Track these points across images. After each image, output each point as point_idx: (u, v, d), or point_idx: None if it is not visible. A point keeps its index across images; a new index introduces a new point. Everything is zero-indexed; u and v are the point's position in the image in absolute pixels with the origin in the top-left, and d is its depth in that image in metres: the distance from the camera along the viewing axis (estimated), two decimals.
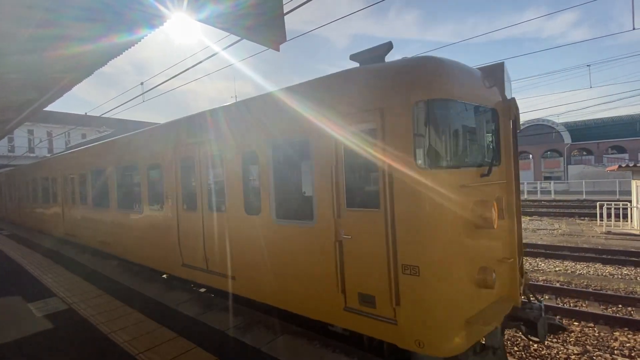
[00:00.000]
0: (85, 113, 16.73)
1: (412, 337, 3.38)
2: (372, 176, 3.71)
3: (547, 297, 7.86)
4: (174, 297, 6.21)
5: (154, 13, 4.43)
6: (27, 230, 16.62)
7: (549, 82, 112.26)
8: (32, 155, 31.52)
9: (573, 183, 37.68)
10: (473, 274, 3.45)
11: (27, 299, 6.35)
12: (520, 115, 4.33)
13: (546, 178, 43.83)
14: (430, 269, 3.24)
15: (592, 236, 14.49)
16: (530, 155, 47.84)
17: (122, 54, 5.87)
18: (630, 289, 8.18)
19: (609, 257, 10.84)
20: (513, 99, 4.01)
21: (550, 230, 16.25)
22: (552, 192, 30.87)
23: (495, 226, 3.39)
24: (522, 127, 4.79)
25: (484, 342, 3.90)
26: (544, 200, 28.34)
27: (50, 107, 9.48)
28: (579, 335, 6.17)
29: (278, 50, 4.49)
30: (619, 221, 15.58)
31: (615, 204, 16.05)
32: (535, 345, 5.67)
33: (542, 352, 5.52)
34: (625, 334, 6.14)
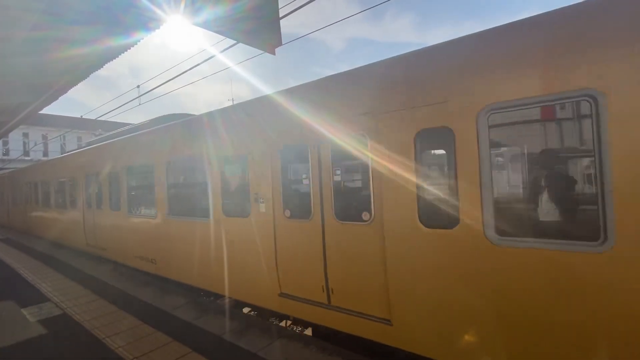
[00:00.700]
0: (81, 116, 16.69)
1: None
2: None
3: None
4: (170, 302, 6.17)
5: (150, 16, 4.44)
6: (23, 235, 16.45)
7: None
8: (27, 158, 31.30)
9: None
10: None
11: (20, 304, 6.28)
12: None
13: None
14: None
15: None
16: None
17: (118, 56, 5.86)
18: None
19: None
20: None
21: None
22: None
23: None
24: None
25: None
26: None
27: (45, 110, 9.42)
28: None
29: (274, 53, 4.50)
30: None
31: None
32: None
33: None
34: None
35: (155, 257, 7.19)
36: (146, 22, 4.68)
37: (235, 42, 5.42)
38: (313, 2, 5.30)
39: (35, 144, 32.68)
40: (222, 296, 5.95)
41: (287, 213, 4.66)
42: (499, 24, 3.57)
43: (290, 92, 4.66)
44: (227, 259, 5.41)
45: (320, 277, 4.27)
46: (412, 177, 3.42)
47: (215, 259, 5.63)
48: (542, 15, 2.97)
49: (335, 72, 4.47)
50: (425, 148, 3.57)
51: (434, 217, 3.35)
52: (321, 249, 4.26)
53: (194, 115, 7.25)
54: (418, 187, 3.41)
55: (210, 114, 6.10)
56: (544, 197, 3.03)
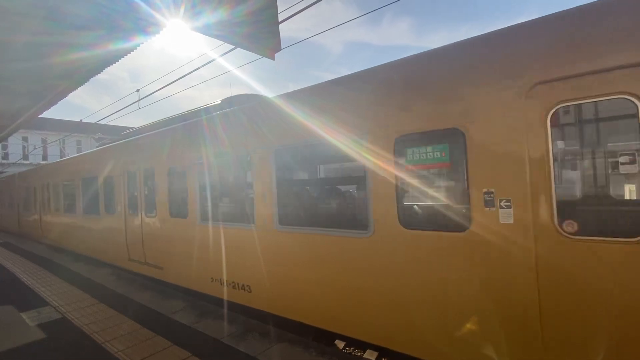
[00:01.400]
0: (81, 120, 16.70)
1: None
2: None
3: None
4: (169, 306, 6.16)
5: (150, 21, 4.46)
6: (22, 239, 16.41)
7: None
8: (26, 162, 31.29)
9: None
10: None
11: (20, 308, 6.26)
12: None
13: None
14: None
15: None
16: None
17: (118, 61, 5.88)
18: None
19: None
20: None
21: None
22: None
23: None
24: None
25: None
26: None
27: (45, 114, 9.41)
28: None
29: (273, 58, 4.52)
30: None
31: None
32: None
33: None
34: None
35: (251, 283, 5.25)
36: (146, 27, 4.70)
37: (234, 46, 5.45)
38: (311, 7, 5.36)
39: (35, 148, 32.67)
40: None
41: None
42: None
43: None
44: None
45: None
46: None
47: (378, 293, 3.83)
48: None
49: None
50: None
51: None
52: None
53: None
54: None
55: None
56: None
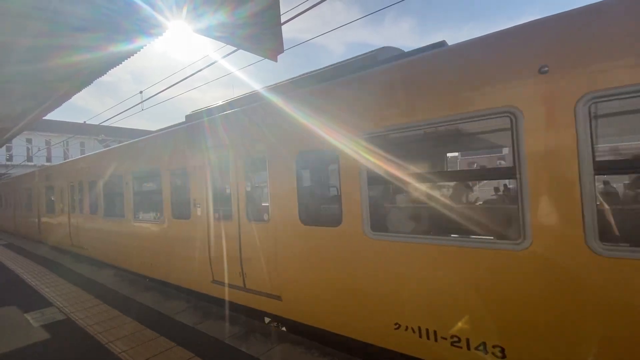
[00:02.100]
0: (84, 121, 16.77)
1: None
2: None
3: None
4: (172, 306, 6.17)
5: (152, 23, 4.49)
6: (25, 240, 16.50)
7: None
8: (30, 164, 31.48)
9: None
10: None
11: (24, 309, 6.30)
12: None
13: None
14: None
15: None
16: None
17: (121, 63, 5.91)
18: None
19: None
20: None
21: None
22: None
23: None
24: None
25: None
26: None
27: (49, 116, 9.47)
28: None
29: (275, 60, 4.53)
30: None
31: None
32: None
33: None
34: None
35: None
36: (149, 29, 4.72)
37: (236, 48, 5.47)
38: (313, 8, 5.36)
39: (39, 150, 32.88)
40: None
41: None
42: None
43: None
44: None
45: None
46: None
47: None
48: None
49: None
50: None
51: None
52: None
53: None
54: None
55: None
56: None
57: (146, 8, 4.14)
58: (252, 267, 5.31)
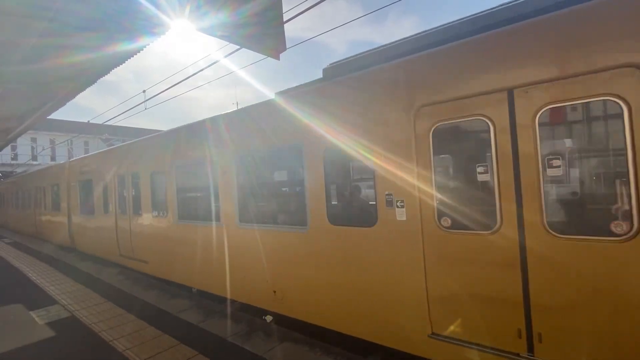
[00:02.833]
0: (88, 121, 16.85)
1: None
2: None
3: None
4: (176, 305, 6.20)
5: (155, 22, 4.50)
6: (29, 239, 16.58)
7: None
8: (35, 163, 31.69)
9: None
10: None
11: (29, 306, 6.35)
12: None
13: None
14: None
15: None
16: None
17: (124, 62, 5.93)
18: None
19: None
20: None
21: None
22: None
23: None
24: None
25: None
26: None
27: (53, 115, 9.51)
28: None
29: (278, 59, 4.53)
30: None
31: None
32: None
33: None
34: None
35: None
36: (152, 28, 4.73)
37: (239, 47, 5.48)
38: (315, 6, 5.36)
39: (43, 149, 33.09)
40: None
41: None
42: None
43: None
44: None
45: None
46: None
47: None
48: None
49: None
50: None
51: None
52: None
53: None
54: None
55: None
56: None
57: (149, 7, 4.15)
58: None
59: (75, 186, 11.65)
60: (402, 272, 3.73)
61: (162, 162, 7.45)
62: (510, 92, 3.13)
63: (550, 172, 2.98)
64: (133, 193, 8.55)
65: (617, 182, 2.83)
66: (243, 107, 5.98)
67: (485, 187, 3.31)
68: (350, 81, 4.26)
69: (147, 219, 7.99)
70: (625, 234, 2.69)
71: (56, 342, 4.88)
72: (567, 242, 2.88)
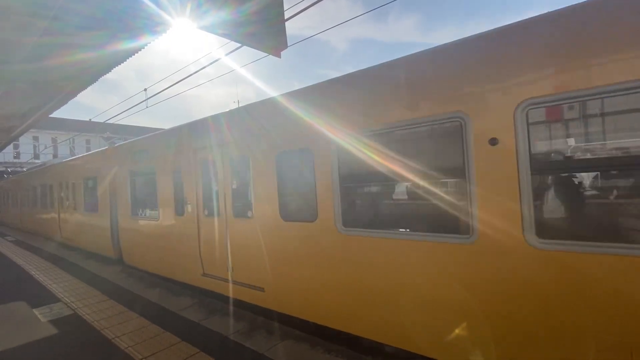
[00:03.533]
0: (90, 119, 16.90)
1: None
2: None
3: None
4: (178, 303, 6.23)
5: (157, 21, 4.51)
6: (32, 237, 16.67)
7: None
8: (37, 161, 31.79)
9: None
10: None
11: (32, 304, 6.39)
12: None
13: None
14: None
15: None
16: None
17: (125, 61, 5.94)
18: None
19: None
20: None
21: None
22: None
23: None
24: None
25: None
26: None
27: (55, 114, 9.54)
28: None
29: (279, 56, 4.53)
30: None
31: None
32: None
33: None
34: None
35: None
36: (153, 27, 4.74)
37: (240, 45, 5.47)
38: (317, 4, 5.35)
39: (45, 147, 33.20)
40: None
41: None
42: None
43: None
44: None
45: None
46: None
47: None
48: None
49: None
50: None
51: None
52: None
53: None
54: None
55: None
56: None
57: (151, 6, 4.16)
58: None
59: (126, 178, 8.61)
60: None
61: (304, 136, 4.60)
62: None
63: None
64: (234, 186, 5.79)
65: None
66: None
67: None
68: None
69: (267, 223, 5.15)
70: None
71: (59, 340, 4.90)
72: None
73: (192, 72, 7.95)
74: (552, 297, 2.84)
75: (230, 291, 5.74)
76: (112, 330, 5.08)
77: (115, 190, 9.16)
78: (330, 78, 4.51)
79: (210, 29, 4.32)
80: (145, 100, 11.61)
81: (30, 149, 34.20)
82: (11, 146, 29.63)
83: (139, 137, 8.91)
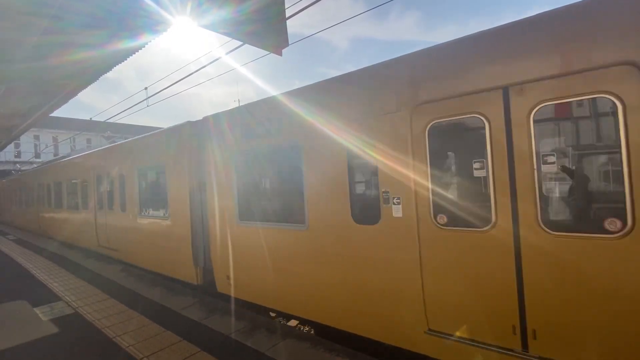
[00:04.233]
0: (90, 118, 16.91)
1: None
2: None
3: None
4: (178, 302, 6.22)
5: (157, 19, 4.50)
6: (34, 236, 16.70)
7: None
8: (38, 160, 31.83)
9: None
10: None
11: (33, 303, 6.39)
12: None
13: None
14: None
15: None
16: None
17: (126, 59, 5.94)
18: None
19: None
20: None
21: None
22: None
23: None
24: None
25: None
26: None
27: (55, 113, 9.54)
28: None
29: (280, 55, 4.52)
30: None
31: None
32: None
33: None
34: None
35: None
36: (154, 25, 4.73)
37: (241, 43, 5.46)
38: (318, 2, 5.33)
39: (47, 146, 33.22)
40: None
41: None
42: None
43: None
44: None
45: None
46: None
47: None
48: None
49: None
50: None
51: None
52: None
53: None
54: None
55: None
56: None
57: (151, 4, 4.15)
58: None
59: (233, 161, 5.75)
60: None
61: None
62: None
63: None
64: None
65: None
66: None
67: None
68: None
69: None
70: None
71: (60, 339, 4.90)
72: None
73: (192, 72, 7.93)
74: None
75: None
76: (113, 329, 5.08)
77: (204, 183, 6.39)
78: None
79: (211, 27, 4.31)
80: (146, 99, 11.61)
81: (31, 148, 34.24)
82: (12, 145, 29.70)
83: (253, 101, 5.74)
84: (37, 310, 6.03)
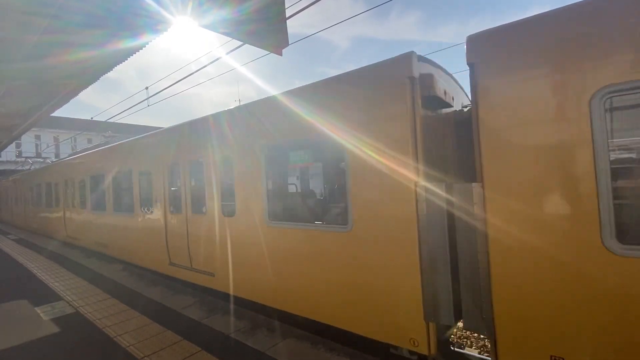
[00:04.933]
0: (91, 118, 16.93)
1: None
2: None
3: None
4: (179, 301, 6.23)
5: (158, 19, 4.50)
6: (35, 235, 16.70)
7: None
8: (39, 159, 31.86)
9: None
10: None
11: (34, 302, 6.40)
12: None
13: None
14: None
15: None
16: None
17: (127, 59, 5.93)
18: None
19: None
20: None
21: None
22: None
23: None
24: None
25: None
26: None
27: (56, 113, 9.54)
28: None
29: (280, 54, 4.52)
30: None
31: None
32: None
33: None
34: None
35: None
36: (154, 25, 4.73)
37: (241, 43, 5.46)
38: (318, 2, 5.33)
39: (48, 146, 33.27)
40: None
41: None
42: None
43: None
44: None
45: None
46: None
47: None
48: None
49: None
50: None
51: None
52: None
53: None
54: None
55: None
56: None
57: (152, 4, 4.15)
58: None
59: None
60: None
61: None
62: None
63: None
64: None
65: None
66: None
67: None
68: None
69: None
70: None
71: (61, 338, 4.91)
72: None
73: (192, 71, 7.94)
74: None
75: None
76: (114, 328, 5.08)
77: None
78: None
79: (212, 27, 4.31)
80: (146, 98, 11.62)
81: (32, 148, 34.28)
82: (13, 145, 29.73)
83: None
84: (38, 309, 6.04)
